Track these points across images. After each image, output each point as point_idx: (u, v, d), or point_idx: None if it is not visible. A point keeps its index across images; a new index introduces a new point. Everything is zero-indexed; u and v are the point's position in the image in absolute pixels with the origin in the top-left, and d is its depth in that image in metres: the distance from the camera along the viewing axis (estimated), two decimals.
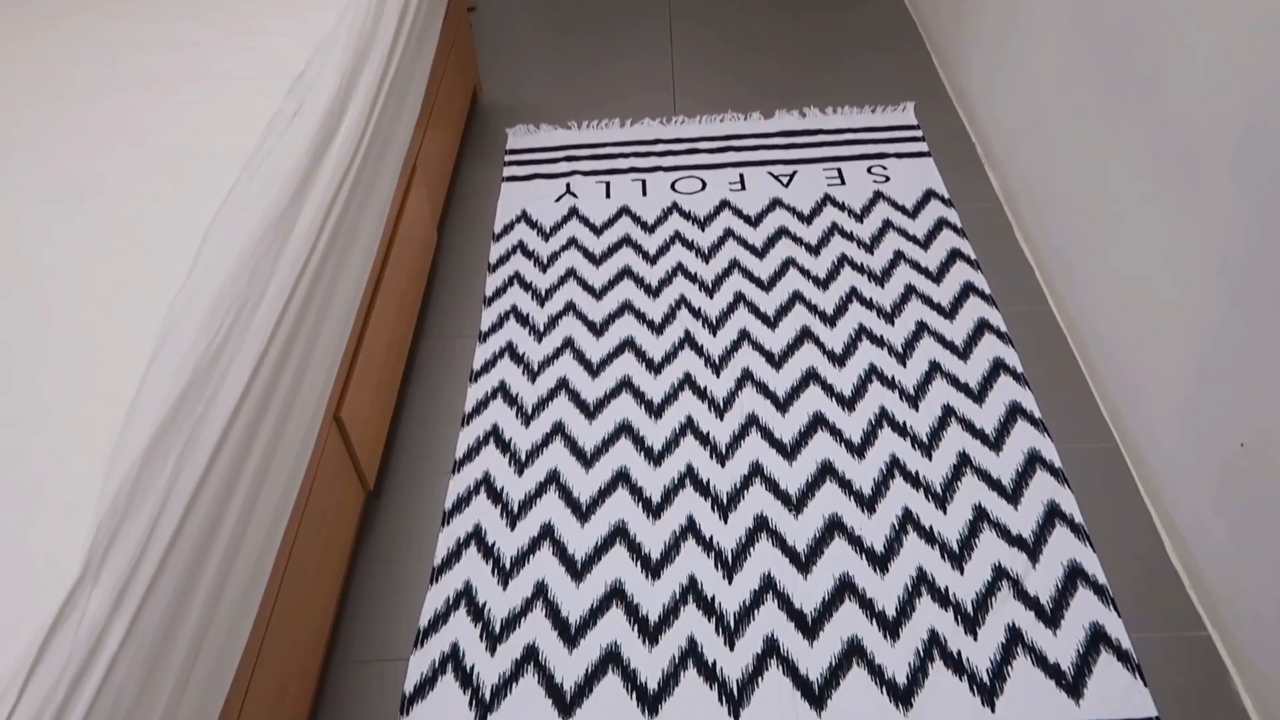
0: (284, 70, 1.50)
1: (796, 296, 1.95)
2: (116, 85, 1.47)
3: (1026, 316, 1.88)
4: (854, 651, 1.39)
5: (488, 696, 1.38)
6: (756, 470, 1.64)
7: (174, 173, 1.28)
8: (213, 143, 1.34)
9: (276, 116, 1.40)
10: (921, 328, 1.86)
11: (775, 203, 2.20)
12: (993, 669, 1.36)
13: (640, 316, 1.94)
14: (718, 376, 1.81)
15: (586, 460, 1.68)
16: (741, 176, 2.29)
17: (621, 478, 1.65)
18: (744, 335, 1.88)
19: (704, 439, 1.70)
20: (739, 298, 1.96)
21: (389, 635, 1.47)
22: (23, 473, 0.90)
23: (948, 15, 2.52)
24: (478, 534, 1.59)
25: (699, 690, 1.37)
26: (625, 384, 1.81)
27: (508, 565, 1.54)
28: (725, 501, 1.60)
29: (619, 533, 1.57)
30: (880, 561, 1.50)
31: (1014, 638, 1.39)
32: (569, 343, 1.90)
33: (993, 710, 1.32)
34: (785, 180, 2.26)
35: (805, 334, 1.87)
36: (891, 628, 1.41)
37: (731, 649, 1.41)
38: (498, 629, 1.46)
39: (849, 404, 1.73)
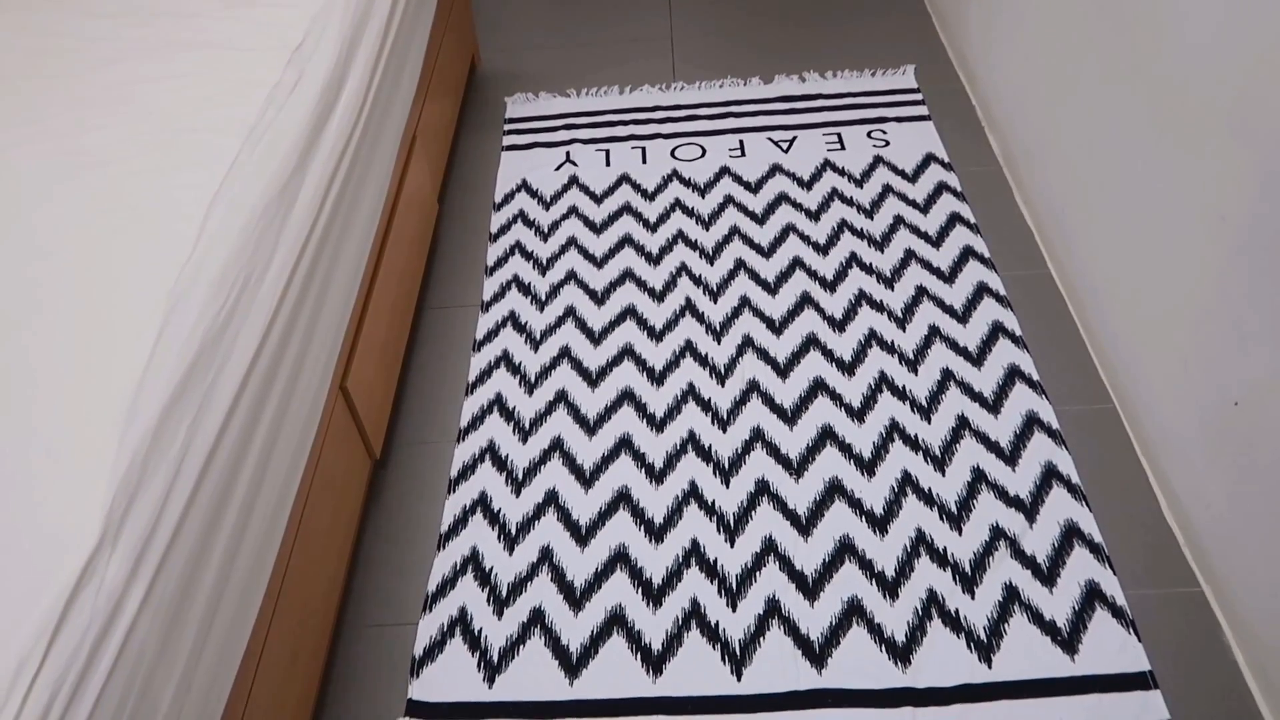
0: (282, 41, 1.50)
1: (797, 262, 1.96)
2: (116, 56, 1.47)
3: (1025, 280, 1.90)
4: (854, 611, 1.42)
5: (495, 659, 1.41)
6: (758, 435, 1.66)
7: (176, 144, 1.29)
8: (213, 114, 1.35)
9: (276, 87, 1.40)
10: (921, 292, 1.87)
11: (775, 169, 2.20)
12: (990, 626, 1.39)
13: (641, 284, 1.95)
14: (719, 343, 1.82)
15: (589, 428, 1.70)
16: (741, 143, 2.29)
17: (624, 444, 1.67)
18: (744, 302, 1.89)
19: (705, 405, 1.71)
20: (739, 264, 1.97)
21: (398, 600, 1.50)
22: (39, 443, 0.92)
23: None
24: (483, 500, 1.61)
25: (702, 650, 1.40)
26: (627, 351, 1.82)
27: (514, 531, 1.56)
28: (727, 466, 1.62)
29: (622, 498, 1.59)
30: (880, 523, 1.52)
31: (1011, 596, 1.42)
32: (571, 311, 1.91)
33: (990, 666, 1.35)
34: (785, 146, 2.26)
35: (805, 300, 1.88)
36: (891, 587, 1.44)
37: (734, 610, 1.44)
38: (504, 593, 1.49)
39: (849, 369, 1.75)
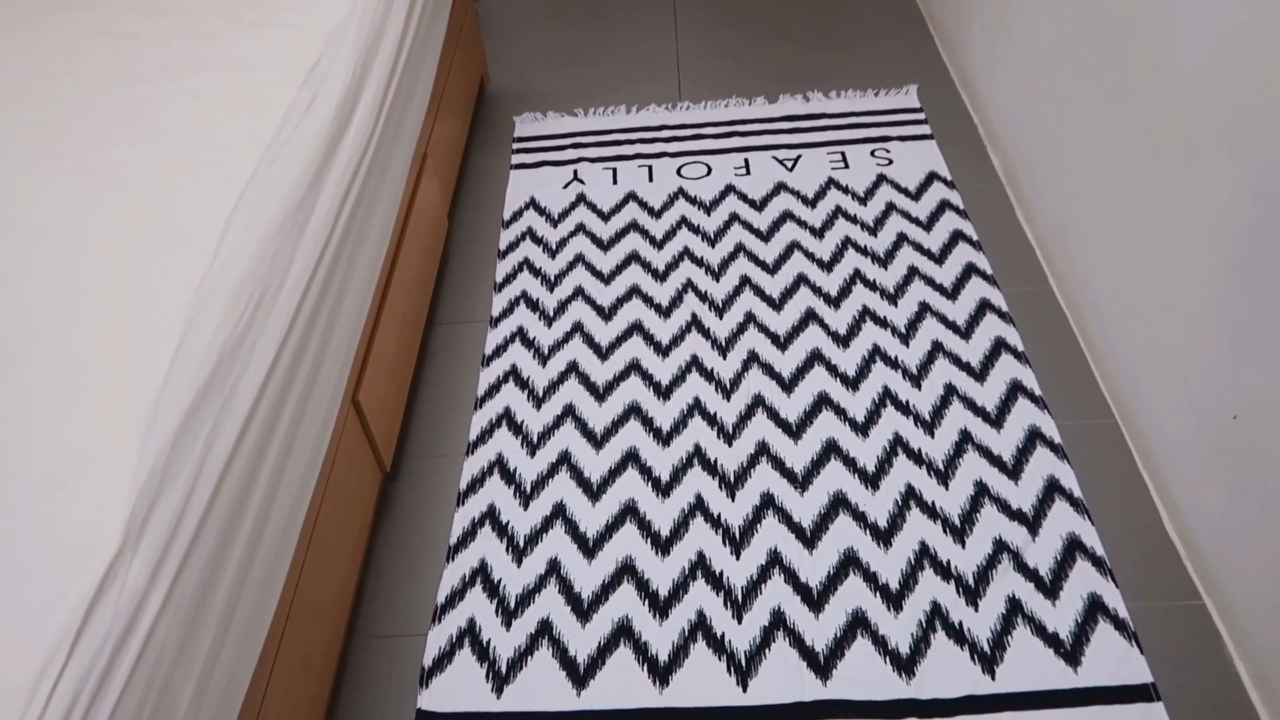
0: (298, 60, 1.53)
1: (801, 279, 1.99)
2: (137, 76, 1.50)
3: (1027, 296, 1.92)
4: (858, 623, 1.43)
5: (504, 669, 1.42)
6: (763, 449, 1.68)
7: (194, 161, 1.32)
8: (231, 132, 1.38)
9: (292, 106, 1.43)
10: (924, 308, 1.90)
11: (780, 187, 2.23)
12: (993, 638, 1.40)
13: (648, 300, 1.98)
14: (724, 358, 1.84)
15: (597, 441, 1.72)
16: (746, 161, 2.32)
17: (631, 458, 1.69)
18: (749, 318, 1.92)
19: (711, 419, 1.74)
20: (744, 281, 2.00)
21: (408, 611, 1.52)
22: (62, 452, 0.95)
23: None
24: (492, 513, 1.63)
25: (708, 661, 1.41)
26: (634, 366, 1.85)
27: (521, 543, 1.58)
28: (733, 480, 1.64)
29: (629, 511, 1.61)
30: (884, 536, 1.54)
31: (1014, 608, 1.43)
32: (578, 327, 1.94)
33: (993, 678, 1.36)
34: (789, 164, 2.29)
35: (810, 316, 1.90)
36: (895, 599, 1.46)
37: (739, 622, 1.45)
38: (513, 604, 1.50)
39: (853, 384, 1.77)
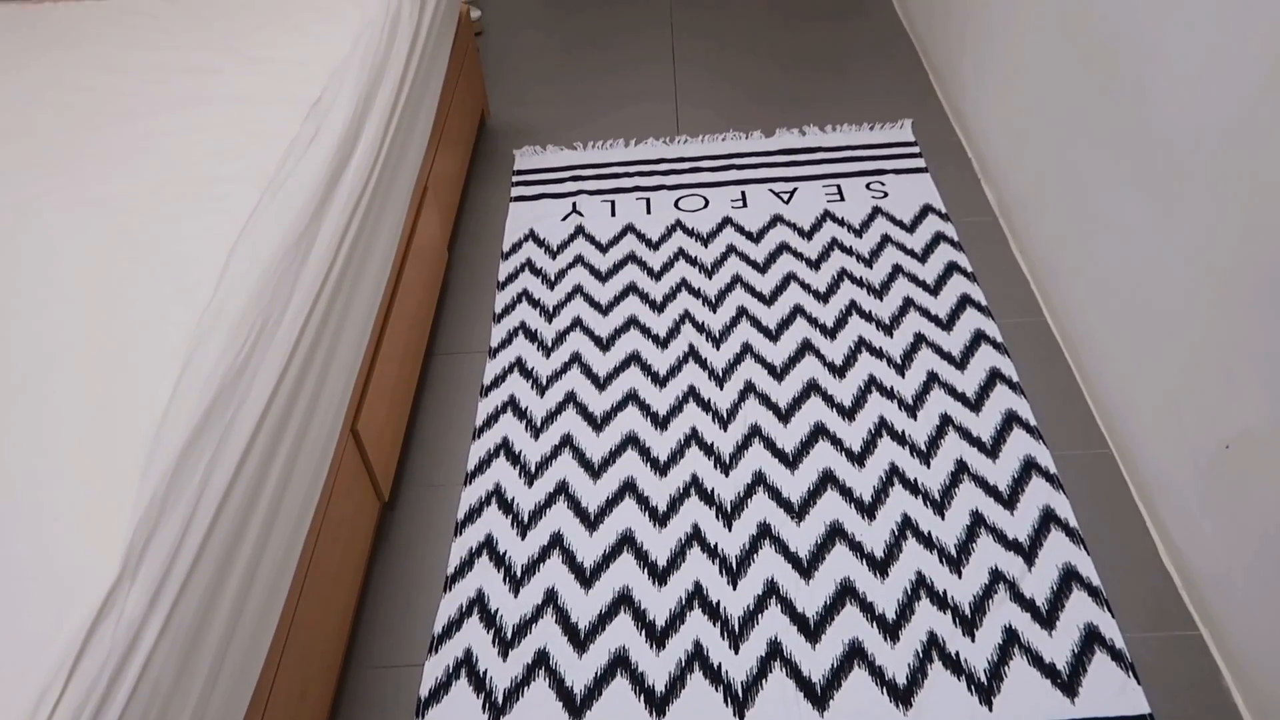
0: (301, 95, 1.56)
1: (798, 310, 2.00)
2: (142, 110, 1.53)
3: (1022, 327, 1.93)
4: (855, 653, 1.43)
5: (500, 700, 1.42)
6: (759, 479, 1.68)
7: (198, 193, 1.34)
8: (234, 165, 1.40)
9: (295, 140, 1.46)
10: (920, 339, 1.91)
11: (776, 219, 2.25)
12: (990, 669, 1.40)
13: (645, 331, 1.99)
14: (721, 389, 1.85)
15: (594, 471, 1.73)
16: (743, 194, 2.34)
17: (628, 488, 1.69)
18: (746, 348, 1.93)
19: (708, 449, 1.74)
20: (741, 312, 2.01)
21: (404, 641, 1.52)
22: (63, 479, 0.96)
23: (941, 33, 2.59)
24: (489, 543, 1.63)
25: (705, 692, 1.41)
26: (631, 397, 1.86)
27: (519, 573, 1.58)
28: (729, 509, 1.64)
29: (626, 541, 1.61)
30: (880, 566, 1.54)
31: (1010, 639, 1.43)
32: (576, 357, 1.95)
33: (990, 709, 1.36)
34: (786, 197, 2.32)
35: (806, 346, 1.92)
36: (891, 630, 1.46)
37: (736, 652, 1.45)
38: (509, 635, 1.50)
39: (849, 414, 1.78)
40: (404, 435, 1.77)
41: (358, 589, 1.53)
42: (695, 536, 1.61)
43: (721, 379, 1.87)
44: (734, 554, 1.58)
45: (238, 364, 1.12)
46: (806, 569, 1.54)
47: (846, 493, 1.65)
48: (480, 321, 2.07)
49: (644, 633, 1.48)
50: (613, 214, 2.32)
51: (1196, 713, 1.35)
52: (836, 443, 1.73)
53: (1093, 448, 1.70)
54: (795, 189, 2.34)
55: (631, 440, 1.77)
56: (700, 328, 1.99)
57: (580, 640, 1.48)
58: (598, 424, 1.81)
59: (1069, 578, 1.50)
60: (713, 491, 1.67)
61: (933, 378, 1.83)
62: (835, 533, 1.59)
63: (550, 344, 1.99)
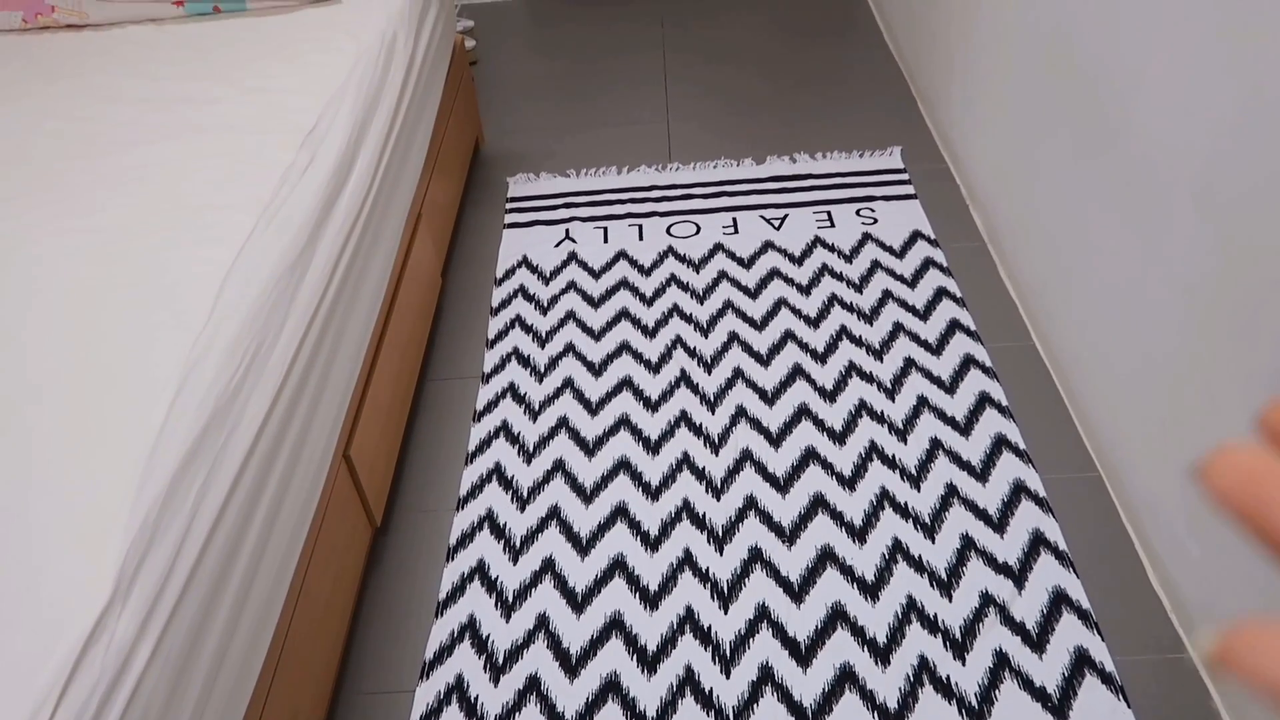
0: (296, 124, 1.58)
1: (788, 335, 2.02)
2: (139, 139, 1.55)
3: (1010, 351, 1.95)
4: (846, 678, 1.43)
5: None
6: (751, 503, 1.69)
7: (193, 221, 1.36)
8: (229, 193, 1.42)
9: (290, 168, 1.48)
10: (910, 364, 1.93)
11: (767, 245, 2.27)
12: (980, 693, 1.40)
13: (637, 356, 2.01)
14: (713, 413, 1.87)
15: (586, 496, 1.74)
16: (735, 220, 2.37)
17: (620, 513, 1.70)
18: (738, 373, 1.94)
19: (700, 474, 1.75)
20: (733, 337, 2.03)
21: (395, 667, 1.52)
22: (55, 503, 0.96)
23: (929, 61, 2.62)
24: (481, 568, 1.64)
25: (696, 716, 1.41)
26: (623, 422, 1.87)
27: (510, 599, 1.59)
28: (720, 534, 1.65)
29: (618, 566, 1.62)
30: (871, 590, 1.54)
31: (1001, 662, 1.43)
32: (569, 383, 1.96)
33: None
34: (777, 223, 2.34)
35: (797, 371, 1.93)
36: (882, 654, 1.46)
37: (728, 677, 1.45)
38: (501, 660, 1.50)
39: (840, 438, 1.79)
40: (396, 460, 1.78)
41: (349, 614, 1.53)
42: (687, 561, 1.61)
43: (713, 404, 1.88)
44: (725, 579, 1.58)
45: (231, 389, 1.13)
46: (797, 593, 1.55)
47: (837, 517, 1.65)
48: (473, 347, 2.08)
49: (635, 657, 1.48)
50: (605, 240, 2.34)
51: None
52: (827, 467, 1.74)
53: (1081, 471, 1.72)
54: (786, 215, 2.37)
55: (623, 465, 1.78)
56: (692, 353, 2.00)
57: (572, 665, 1.48)
58: (590, 449, 1.82)
59: (1059, 601, 1.51)
60: (704, 516, 1.68)
61: (923, 402, 1.84)
62: (826, 556, 1.59)
63: (543, 369, 2.00)
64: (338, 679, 1.49)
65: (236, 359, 1.15)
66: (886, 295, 2.10)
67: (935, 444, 1.76)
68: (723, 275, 2.20)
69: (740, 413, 1.86)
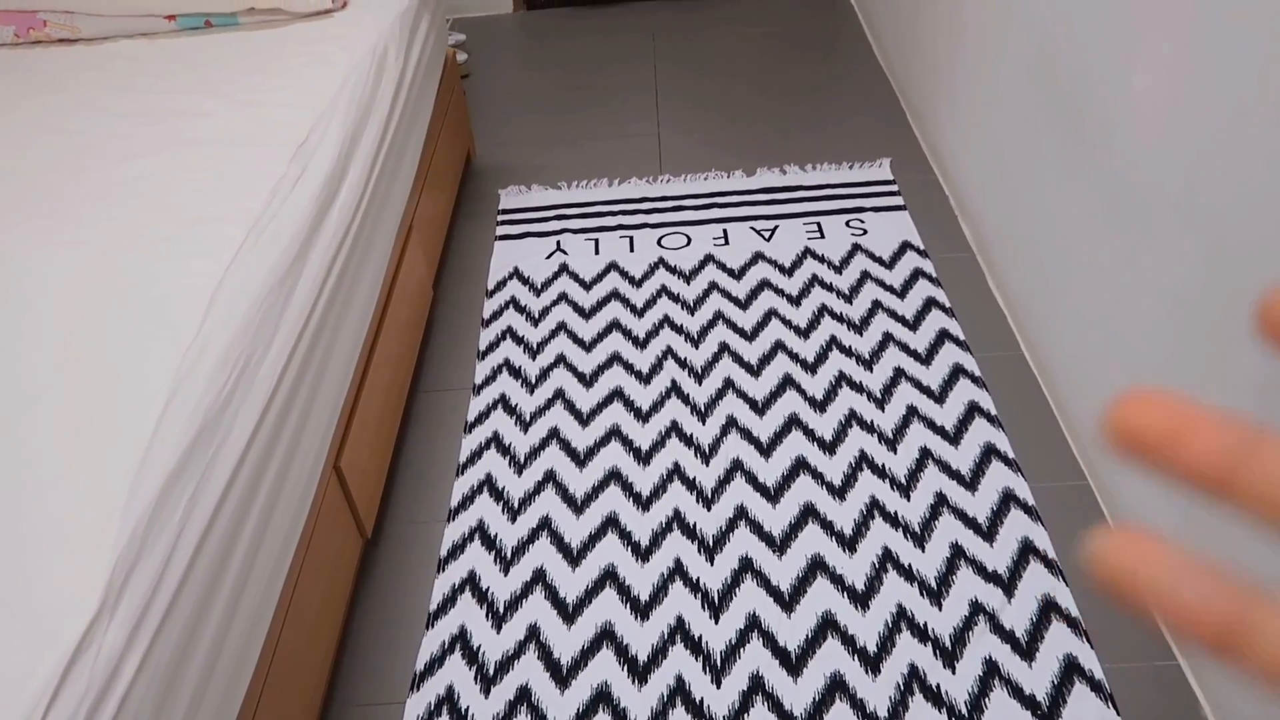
0: (288, 137, 1.59)
1: (779, 345, 2.03)
2: (131, 152, 1.56)
3: (999, 361, 1.96)
4: (837, 686, 1.44)
5: None
6: (741, 513, 1.69)
7: (184, 234, 1.36)
8: (220, 206, 1.42)
9: (281, 181, 1.48)
10: (899, 374, 1.94)
11: (757, 256, 2.29)
12: (970, 701, 1.40)
13: (628, 367, 2.01)
14: (703, 424, 1.87)
15: (577, 507, 1.74)
16: (725, 232, 2.38)
17: (611, 523, 1.70)
18: (728, 383, 1.95)
19: (690, 484, 1.76)
20: (723, 348, 2.04)
21: (386, 679, 1.51)
22: (44, 514, 0.96)
23: (918, 74, 2.65)
24: (472, 579, 1.64)
25: None
26: (614, 433, 1.87)
27: (501, 610, 1.59)
28: (711, 544, 1.65)
29: (609, 576, 1.62)
30: (861, 599, 1.55)
31: (991, 670, 1.44)
32: (560, 394, 1.97)
33: None
34: (767, 235, 2.36)
35: (787, 381, 1.94)
36: (873, 663, 1.46)
37: (718, 687, 1.45)
38: (492, 671, 1.50)
39: (830, 448, 1.80)
40: (387, 471, 1.78)
41: (339, 626, 1.52)
42: (677, 571, 1.61)
43: (704, 414, 1.89)
44: (716, 589, 1.58)
45: (220, 401, 1.13)
46: (788, 603, 1.55)
47: (828, 526, 1.66)
48: (465, 358, 2.09)
49: (626, 668, 1.48)
50: (596, 252, 2.35)
51: None
52: (818, 477, 1.75)
53: (1070, 479, 1.72)
54: (776, 227, 2.38)
55: (614, 476, 1.78)
56: (682, 364, 2.01)
57: (562, 676, 1.48)
58: (581, 460, 1.82)
59: (1048, 609, 1.51)
60: (695, 526, 1.68)
61: (912, 411, 1.85)
62: (816, 566, 1.60)
63: (534, 380, 2.00)
64: (328, 691, 1.48)
65: (227, 371, 1.16)
66: (876, 305, 2.11)
67: (925, 453, 1.77)
68: (713, 286, 2.21)
69: (731, 423, 1.86)
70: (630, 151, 2.72)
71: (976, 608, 1.52)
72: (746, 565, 1.61)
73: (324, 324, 1.43)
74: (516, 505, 1.75)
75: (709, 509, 1.71)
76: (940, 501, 1.68)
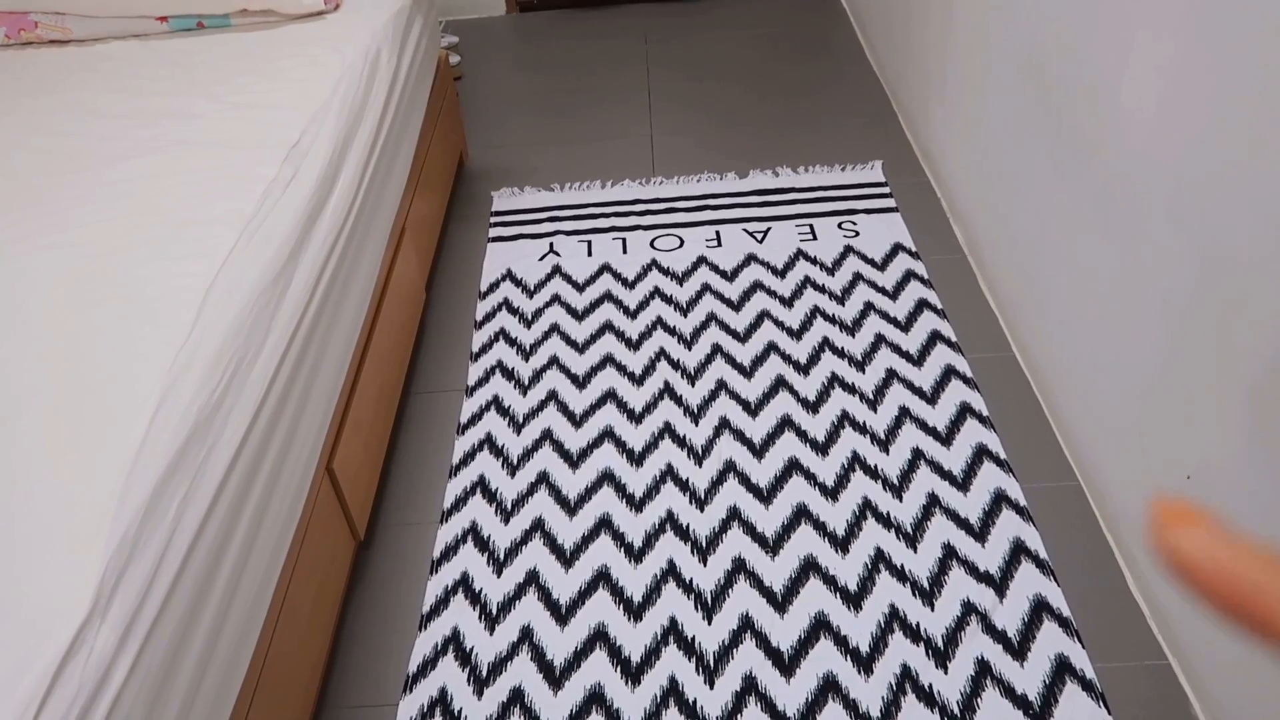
0: (280, 139, 1.59)
1: (771, 347, 2.03)
2: (124, 154, 1.55)
3: (991, 362, 1.97)
4: (829, 687, 1.44)
5: None
6: (734, 514, 1.70)
7: (176, 236, 1.36)
8: (213, 208, 1.42)
9: (273, 183, 1.48)
10: (891, 375, 1.94)
11: (750, 258, 2.29)
12: (963, 701, 1.41)
13: (621, 369, 2.02)
14: (696, 425, 1.87)
15: (570, 509, 1.74)
16: (718, 233, 2.38)
17: (604, 524, 1.70)
18: (721, 385, 1.95)
19: (683, 485, 1.76)
20: (716, 349, 2.04)
21: (379, 681, 1.51)
22: (35, 516, 0.96)
23: (909, 77, 2.65)
24: (465, 581, 1.63)
25: None
26: (607, 434, 1.87)
27: (494, 611, 1.59)
28: (704, 545, 1.65)
29: (602, 577, 1.62)
30: (854, 600, 1.55)
31: (983, 670, 1.44)
32: (553, 395, 1.97)
33: None
34: (760, 236, 2.36)
35: (780, 383, 1.95)
36: (865, 663, 1.46)
37: (712, 687, 1.45)
38: (484, 673, 1.50)
39: (822, 449, 1.80)
40: (380, 473, 1.78)
41: (332, 628, 1.52)
42: (671, 572, 1.61)
43: (696, 415, 1.89)
44: (709, 589, 1.58)
45: (212, 403, 1.13)
46: (781, 603, 1.55)
47: (820, 527, 1.66)
48: (458, 360, 2.09)
49: (619, 669, 1.49)
50: (589, 254, 2.35)
51: None
52: (810, 477, 1.75)
53: (1061, 480, 1.73)
54: (769, 229, 2.38)
55: (607, 477, 1.79)
56: (675, 365, 2.01)
57: (556, 678, 1.48)
58: (573, 461, 1.82)
59: (1040, 609, 1.52)
60: (688, 527, 1.68)
61: (904, 412, 1.86)
62: (809, 567, 1.60)
63: (527, 382, 2.01)
64: (321, 693, 1.48)
65: (218, 373, 1.15)
66: (868, 307, 2.12)
67: (917, 454, 1.78)
68: (706, 288, 2.21)
69: (723, 424, 1.87)
70: (623, 153, 2.72)
71: (968, 608, 1.52)
72: (739, 566, 1.61)
73: (316, 326, 1.43)
74: (509, 507, 1.75)
75: (702, 510, 1.71)
76: (932, 502, 1.69)
